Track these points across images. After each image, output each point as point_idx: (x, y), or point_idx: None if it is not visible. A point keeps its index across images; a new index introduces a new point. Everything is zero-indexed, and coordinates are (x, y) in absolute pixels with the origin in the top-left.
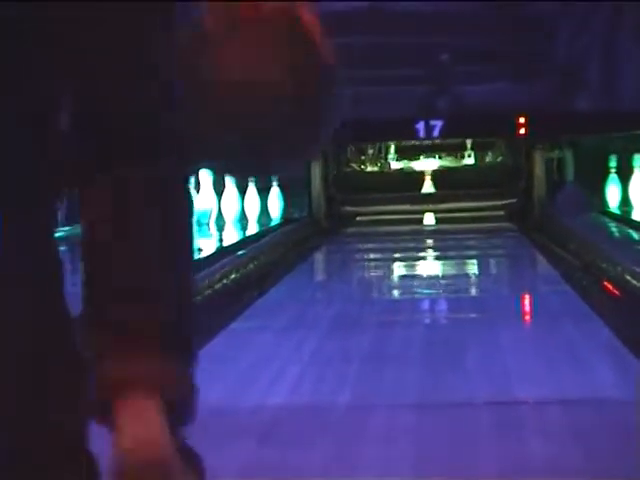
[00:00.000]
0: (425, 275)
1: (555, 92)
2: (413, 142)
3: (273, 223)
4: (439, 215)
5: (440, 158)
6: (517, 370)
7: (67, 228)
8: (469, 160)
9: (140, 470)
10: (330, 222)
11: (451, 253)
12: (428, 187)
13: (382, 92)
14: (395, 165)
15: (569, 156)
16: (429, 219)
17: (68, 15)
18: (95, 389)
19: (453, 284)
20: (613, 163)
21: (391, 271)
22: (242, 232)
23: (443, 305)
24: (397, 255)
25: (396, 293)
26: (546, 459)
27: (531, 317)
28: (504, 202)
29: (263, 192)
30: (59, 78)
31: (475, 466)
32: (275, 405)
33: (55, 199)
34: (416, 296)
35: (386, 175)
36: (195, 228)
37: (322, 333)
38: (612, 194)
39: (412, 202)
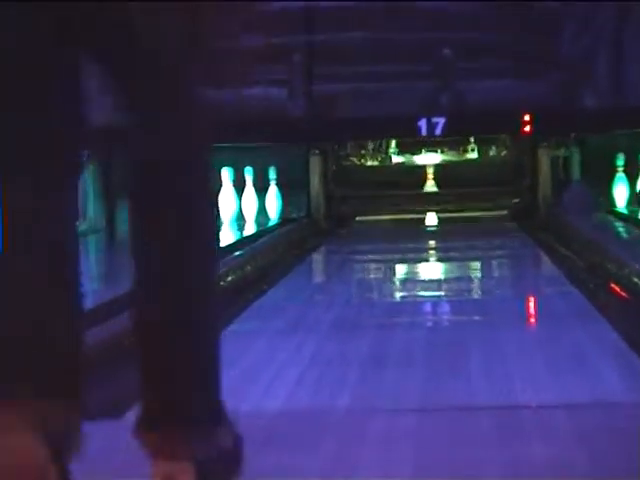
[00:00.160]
0: (426, 276)
1: (561, 89)
2: None
3: (271, 223)
4: (441, 215)
5: (442, 152)
6: (520, 373)
7: None
8: (472, 154)
9: None
10: (329, 222)
11: (453, 254)
12: (430, 186)
13: (383, 89)
14: (396, 159)
15: (575, 154)
16: (431, 220)
17: None
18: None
19: (455, 285)
20: (621, 162)
21: (392, 272)
22: (239, 232)
23: (445, 307)
24: (398, 256)
25: (397, 295)
26: (550, 464)
27: (535, 319)
28: (511, 201)
29: (261, 191)
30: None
31: (477, 471)
32: (273, 409)
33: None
34: (417, 298)
35: (387, 169)
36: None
37: (321, 336)
38: (619, 193)
39: (414, 203)
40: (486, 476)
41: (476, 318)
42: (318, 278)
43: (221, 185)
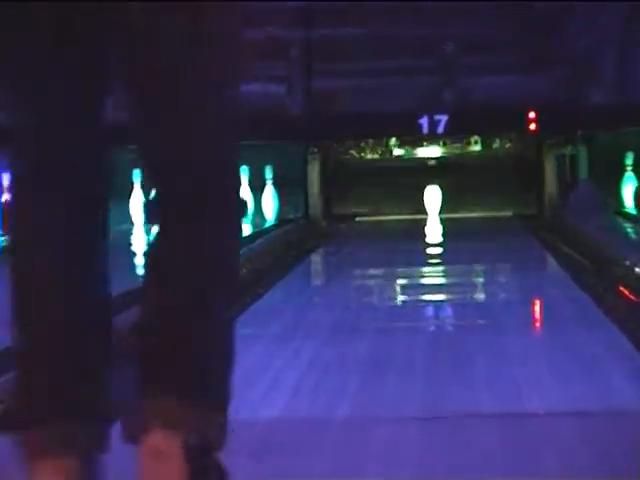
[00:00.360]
0: (428, 278)
1: (567, 85)
2: None
3: (267, 224)
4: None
5: (445, 145)
6: (527, 380)
7: None
8: (476, 147)
9: None
10: (328, 222)
11: (456, 255)
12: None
13: (383, 85)
14: (397, 152)
15: (583, 153)
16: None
17: None
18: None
19: (458, 288)
20: (629, 160)
21: (392, 275)
22: None
23: (447, 311)
24: (399, 257)
25: (398, 298)
26: (559, 474)
27: (541, 323)
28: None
29: (257, 191)
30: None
31: None
32: (270, 418)
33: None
34: (419, 301)
35: (387, 162)
36: None
37: (320, 340)
38: (628, 193)
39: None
40: None
41: (480, 322)
42: (316, 280)
43: None
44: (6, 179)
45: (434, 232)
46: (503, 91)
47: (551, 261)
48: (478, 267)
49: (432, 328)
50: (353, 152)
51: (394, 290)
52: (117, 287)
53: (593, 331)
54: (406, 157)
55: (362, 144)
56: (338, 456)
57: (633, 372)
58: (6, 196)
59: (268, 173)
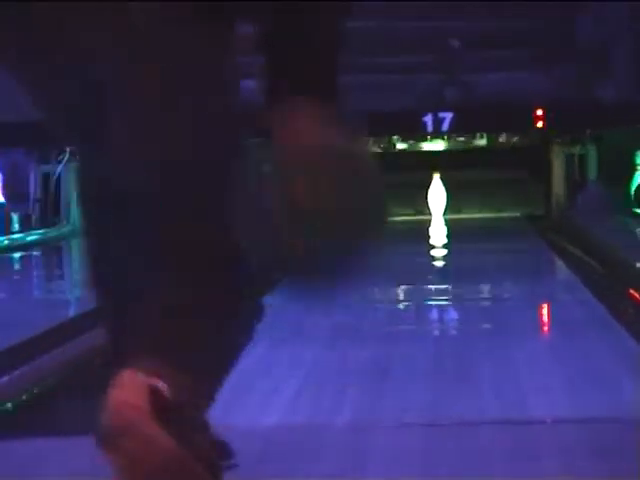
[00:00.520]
0: (432, 281)
1: (576, 81)
2: None
3: None
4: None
5: (449, 139)
6: (533, 386)
7: (40, 231)
8: (481, 141)
9: (114, 432)
10: None
11: (461, 257)
12: (437, 187)
13: (385, 82)
14: (400, 146)
15: (592, 152)
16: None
17: None
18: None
19: (462, 290)
20: None
21: (395, 278)
22: None
23: (452, 314)
24: (402, 259)
25: (401, 301)
26: None
27: (549, 328)
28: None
29: None
30: None
31: None
32: (268, 425)
33: None
34: (422, 304)
35: (390, 157)
36: None
37: (320, 344)
38: (639, 194)
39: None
40: None
41: (485, 326)
42: None
43: None
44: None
45: (438, 233)
46: (509, 88)
47: (559, 264)
48: (483, 267)
49: (436, 332)
50: None
51: (396, 293)
52: None
53: (602, 336)
54: (409, 151)
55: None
56: (338, 463)
57: None
58: None
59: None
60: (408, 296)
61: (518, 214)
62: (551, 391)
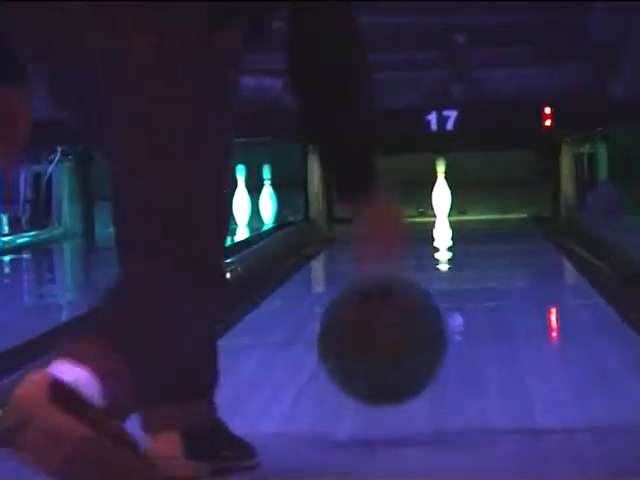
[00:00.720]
0: (436, 285)
1: (585, 78)
2: None
3: (265, 228)
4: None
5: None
6: (542, 393)
7: (31, 233)
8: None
9: (15, 427)
10: (330, 226)
11: (466, 260)
12: (442, 187)
13: (385, 79)
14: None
15: (602, 151)
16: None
17: None
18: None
19: (468, 294)
20: None
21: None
22: (230, 237)
23: (457, 319)
24: (405, 262)
25: None
26: None
27: (557, 333)
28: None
29: (254, 192)
30: None
31: None
32: (266, 434)
33: None
34: None
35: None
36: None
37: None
38: None
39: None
40: None
41: (491, 331)
42: (317, 288)
43: None
44: None
45: (443, 235)
46: (516, 84)
47: (567, 265)
48: (489, 270)
49: None
50: None
51: None
52: None
53: (613, 341)
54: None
55: None
56: (340, 473)
57: None
58: None
59: (266, 173)
60: None
61: (525, 215)
62: (560, 398)
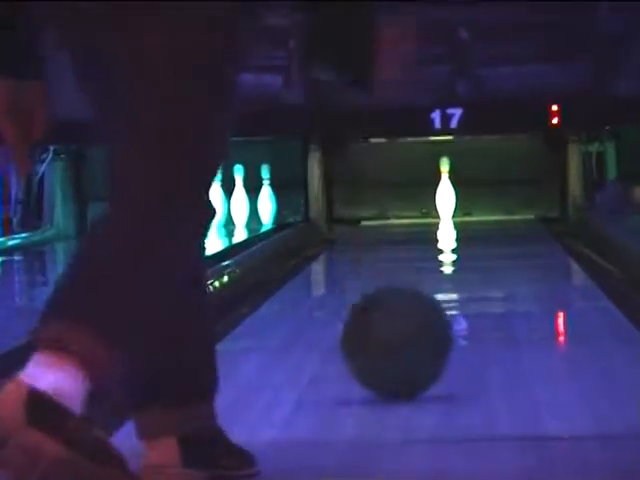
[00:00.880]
0: (440, 288)
1: (593, 75)
2: None
3: (264, 229)
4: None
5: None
6: (548, 399)
7: (23, 235)
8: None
9: None
10: (330, 227)
11: (471, 262)
12: (446, 187)
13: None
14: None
15: (611, 150)
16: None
17: None
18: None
19: (473, 299)
20: None
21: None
22: (228, 239)
23: (461, 323)
24: (407, 266)
25: None
26: None
27: (565, 337)
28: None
29: (252, 192)
30: None
31: None
32: (266, 440)
33: None
34: None
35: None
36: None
37: (321, 356)
38: None
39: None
40: None
41: (497, 335)
42: (318, 291)
43: None
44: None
45: (447, 237)
46: (522, 81)
47: (575, 268)
48: (495, 273)
49: None
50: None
51: None
52: None
53: (622, 346)
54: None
55: None
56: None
57: None
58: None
59: (265, 173)
60: None
61: (532, 216)
62: (567, 405)
